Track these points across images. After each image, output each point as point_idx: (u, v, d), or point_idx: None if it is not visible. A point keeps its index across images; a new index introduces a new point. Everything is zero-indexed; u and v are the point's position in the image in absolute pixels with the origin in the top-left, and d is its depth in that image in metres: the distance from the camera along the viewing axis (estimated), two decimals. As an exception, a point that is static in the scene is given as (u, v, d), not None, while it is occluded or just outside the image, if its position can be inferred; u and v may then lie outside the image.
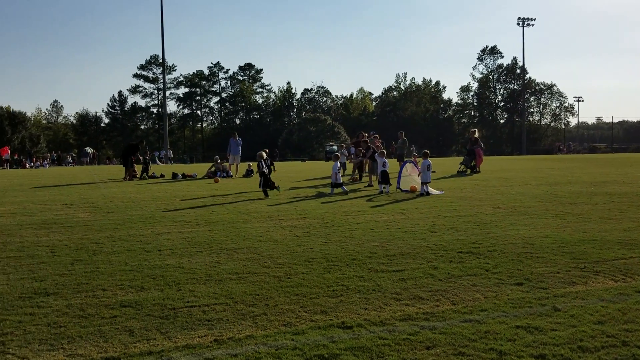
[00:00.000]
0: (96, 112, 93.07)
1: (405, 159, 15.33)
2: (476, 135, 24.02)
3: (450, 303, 4.65)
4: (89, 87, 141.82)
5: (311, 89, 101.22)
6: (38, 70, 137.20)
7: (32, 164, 49.87)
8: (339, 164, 15.26)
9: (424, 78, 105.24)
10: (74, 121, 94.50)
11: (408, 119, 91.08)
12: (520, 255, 6.52)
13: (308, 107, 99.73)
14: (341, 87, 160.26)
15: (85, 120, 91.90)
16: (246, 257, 6.52)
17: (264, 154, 14.86)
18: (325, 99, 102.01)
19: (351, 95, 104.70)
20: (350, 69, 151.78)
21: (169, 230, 8.62)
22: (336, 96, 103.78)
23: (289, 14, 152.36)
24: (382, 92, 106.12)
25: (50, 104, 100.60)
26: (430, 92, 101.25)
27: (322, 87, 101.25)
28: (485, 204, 11.74)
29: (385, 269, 5.90)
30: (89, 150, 65.00)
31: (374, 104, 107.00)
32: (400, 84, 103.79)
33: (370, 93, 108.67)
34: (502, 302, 4.62)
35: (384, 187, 14.51)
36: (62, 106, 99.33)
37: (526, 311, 4.38)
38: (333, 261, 6.27)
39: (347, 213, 10.54)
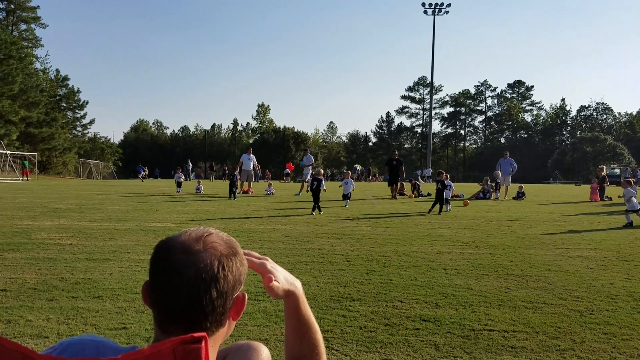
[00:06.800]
0: (366, 132, 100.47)
1: None
2: None
3: None
4: (360, 109, 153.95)
5: (589, 105, 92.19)
6: (317, 96, 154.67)
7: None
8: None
9: None
10: (346, 140, 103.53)
11: None
12: None
13: (584, 125, 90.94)
14: (626, 104, 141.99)
15: (355, 139, 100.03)
16: (537, 285, 6.22)
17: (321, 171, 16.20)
18: (605, 116, 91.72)
19: (638, 112, 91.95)
20: (637, 82, 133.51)
21: (449, 250, 8.74)
22: (619, 113, 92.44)
23: (563, 29, 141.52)
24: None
25: (327, 125, 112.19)
26: None
27: (603, 103, 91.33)
28: None
29: None
30: (358, 167, 70.18)
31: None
32: None
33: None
34: None
35: None
36: (336, 127, 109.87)
37: None
38: (642, 301, 5.56)
39: (648, 247, 9.24)
